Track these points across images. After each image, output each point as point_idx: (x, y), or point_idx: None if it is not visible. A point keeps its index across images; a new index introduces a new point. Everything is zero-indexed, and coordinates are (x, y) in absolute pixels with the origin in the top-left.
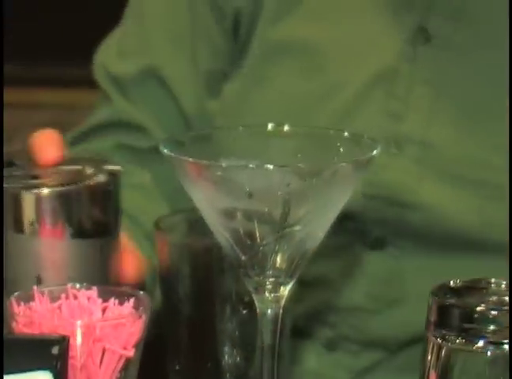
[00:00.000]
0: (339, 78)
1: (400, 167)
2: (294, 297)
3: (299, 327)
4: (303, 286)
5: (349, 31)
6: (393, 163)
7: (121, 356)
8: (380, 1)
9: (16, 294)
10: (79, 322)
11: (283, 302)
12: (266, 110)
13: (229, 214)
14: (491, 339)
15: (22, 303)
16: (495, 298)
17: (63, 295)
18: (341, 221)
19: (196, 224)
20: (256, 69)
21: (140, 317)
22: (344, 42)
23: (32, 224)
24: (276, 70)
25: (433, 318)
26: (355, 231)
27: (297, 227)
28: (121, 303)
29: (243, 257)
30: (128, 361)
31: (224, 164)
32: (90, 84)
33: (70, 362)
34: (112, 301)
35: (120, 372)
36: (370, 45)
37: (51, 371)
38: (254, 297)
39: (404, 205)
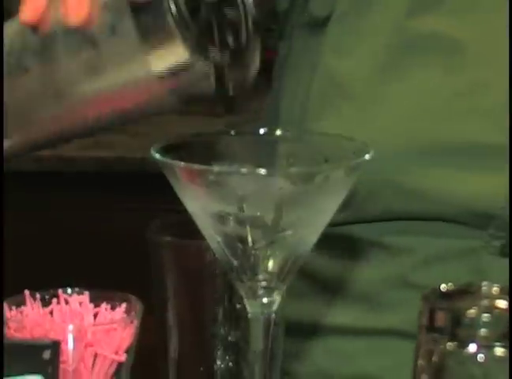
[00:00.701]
0: (482, 77)
1: None
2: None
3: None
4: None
5: (492, 28)
6: None
7: (112, 361)
8: None
9: (7, 298)
10: (70, 327)
11: (275, 306)
12: (402, 101)
13: (221, 218)
14: (483, 343)
15: (13, 308)
16: (486, 301)
17: (55, 300)
18: (469, 225)
19: (188, 227)
20: (389, 57)
21: (131, 321)
22: (488, 40)
23: None
24: (416, 62)
25: (424, 322)
26: (486, 236)
27: (289, 232)
28: (112, 308)
29: (235, 262)
30: (120, 366)
31: (216, 169)
32: None
33: (62, 366)
34: (104, 306)
35: (112, 377)
36: None
37: (43, 376)
38: (246, 302)
39: None
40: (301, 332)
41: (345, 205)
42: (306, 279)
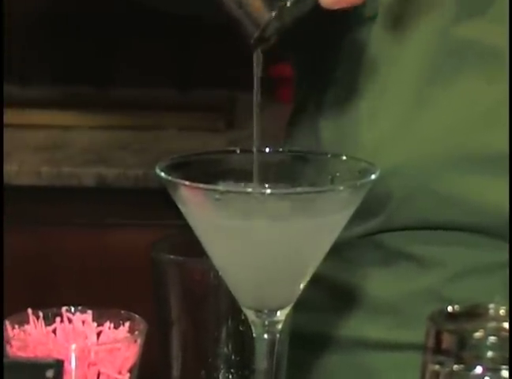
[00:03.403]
0: None
1: None
2: None
3: None
4: None
5: None
6: None
7: None
8: None
9: (10, 317)
10: (73, 346)
11: (279, 326)
12: (443, 108)
13: (226, 236)
14: (489, 366)
15: (16, 326)
16: (493, 323)
17: (58, 319)
18: (504, 238)
19: (192, 245)
20: (432, 64)
21: (135, 341)
22: None
23: None
24: (459, 70)
25: (430, 344)
26: None
27: (295, 250)
28: (116, 327)
29: None
30: None
31: (221, 188)
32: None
33: None
34: (107, 324)
35: None
36: None
37: None
38: (250, 322)
39: None
40: (323, 345)
41: (377, 212)
42: (329, 290)
